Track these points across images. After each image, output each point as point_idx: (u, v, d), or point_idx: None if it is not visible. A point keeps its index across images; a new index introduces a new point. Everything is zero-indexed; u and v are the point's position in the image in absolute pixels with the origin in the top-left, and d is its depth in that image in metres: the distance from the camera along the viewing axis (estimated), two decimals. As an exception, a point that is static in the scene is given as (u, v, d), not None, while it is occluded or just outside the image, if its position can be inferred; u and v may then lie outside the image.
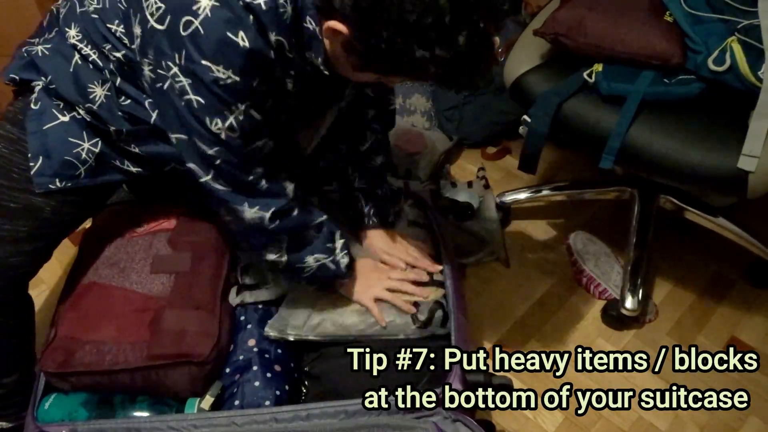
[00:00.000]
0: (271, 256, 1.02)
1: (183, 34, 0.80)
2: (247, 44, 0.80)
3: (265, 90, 0.88)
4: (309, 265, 1.04)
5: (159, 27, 0.82)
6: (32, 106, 1.01)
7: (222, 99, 0.85)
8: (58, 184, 1.01)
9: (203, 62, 0.81)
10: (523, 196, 1.63)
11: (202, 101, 0.85)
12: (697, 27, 1.19)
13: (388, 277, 1.12)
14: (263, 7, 0.80)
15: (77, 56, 0.99)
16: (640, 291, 1.41)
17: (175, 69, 0.84)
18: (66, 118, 1.01)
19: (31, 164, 1.00)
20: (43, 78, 1.01)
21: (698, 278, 1.55)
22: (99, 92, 0.99)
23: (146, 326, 1.05)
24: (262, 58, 0.84)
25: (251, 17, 0.80)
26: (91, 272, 1.14)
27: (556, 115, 1.25)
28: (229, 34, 0.80)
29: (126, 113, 1.00)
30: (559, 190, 1.64)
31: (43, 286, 1.52)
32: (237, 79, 0.83)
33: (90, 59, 0.98)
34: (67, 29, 1.00)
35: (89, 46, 0.98)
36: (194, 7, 0.79)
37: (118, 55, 0.96)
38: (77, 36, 0.99)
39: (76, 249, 1.24)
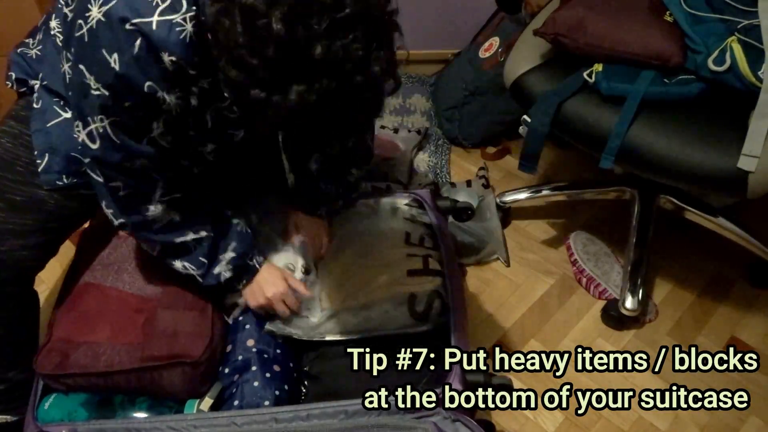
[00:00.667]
0: (143, 246, 1.04)
1: (75, 35, 0.82)
2: (117, 68, 0.80)
3: (142, 115, 0.86)
4: (177, 268, 1.04)
5: (68, 17, 0.85)
6: (35, 105, 1.03)
7: (86, 105, 0.85)
8: (65, 180, 1.02)
9: (80, 66, 0.83)
10: (523, 196, 1.63)
11: (72, 97, 0.87)
12: (697, 27, 1.19)
13: (283, 288, 1.08)
14: (154, 26, 0.78)
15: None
16: (640, 291, 1.41)
17: (66, 63, 0.86)
18: (68, 114, 1.02)
19: (38, 161, 1.01)
20: (35, 80, 1.03)
21: (698, 278, 1.55)
22: None
23: (140, 327, 1.05)
24: (134, 85, 0.82)
25: (138, 39, 0.78)
26: (87, 273, 1.14)
27: (556, 115, 1.25)
28: (104, 53, 0.80)
29: None
30: (559, 190, 1.64)
31: (43, 286, 1.52)
32: (106, 93, 0.83)
33: None
34: (50, 22, 1.03)
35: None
36: (86, 14, 0.80)
37: None
38: (58, 27, 1.01)
39: (74, 249, 1.24)
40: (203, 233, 1.03)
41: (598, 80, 1.21)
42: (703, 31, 1.18)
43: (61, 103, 1.02)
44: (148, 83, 0.82)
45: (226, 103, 0.92)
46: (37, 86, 1.03)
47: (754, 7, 1.20)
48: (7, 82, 1.07)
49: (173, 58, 0.80)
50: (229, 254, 1.05)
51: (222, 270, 1.05)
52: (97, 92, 0.83)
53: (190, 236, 1.02)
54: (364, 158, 1.17)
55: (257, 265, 1.09)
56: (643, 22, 1.22)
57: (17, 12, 1.50)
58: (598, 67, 1.23)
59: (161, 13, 0.78)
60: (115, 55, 0.80)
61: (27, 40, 1.08)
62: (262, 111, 0.73)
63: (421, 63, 2.01)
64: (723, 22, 1.19)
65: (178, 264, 1.04)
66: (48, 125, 1.01)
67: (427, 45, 1.97)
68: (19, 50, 1.07)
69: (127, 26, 0.78)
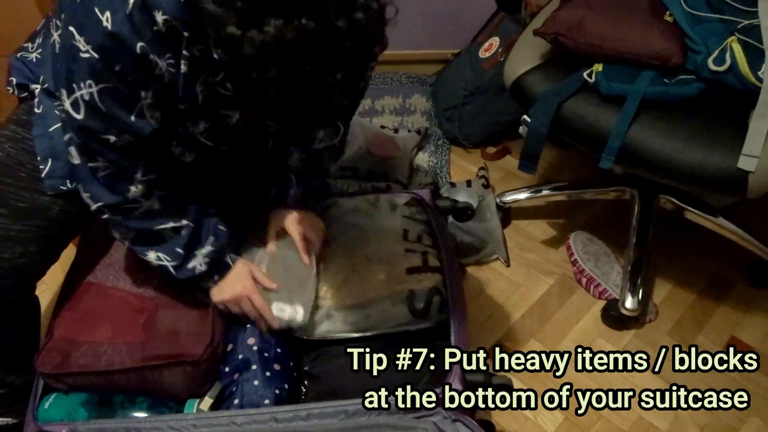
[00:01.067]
0: (116, 234, 1.01)
1: None
2: (109, 26, 0.78)
3: (132, 81, 0.84)
4: (150, 259, 1.01)
5: None
6: (36, 110, 1.02)
7: (74, 70, 0.83)
8: (69, 185, 1.01)
9: (70, 27, 0.81)
10: (523, 196, 1.63)
11: (59, 65, 0.85)
12: (697, 27, 1.19)
13: (250, 287, 1.07)
14: None
15: None
16: (640, 291, 1.41)
17: (56, 32, 0.85)
18: None
19: (41, 167, 1.01)
20: (36, 84, 1.03)
21: (698, 278, 1.55)
22: None
23: (141, 327, 1.05)
24: (126, 46, 0.80)
25: None
26: (88, 273, 1.14)
27: (556, 115, 1.25)
28: (96, 11, 0.78)
29: None
30: (559, 190, 1.64)
31: (43, 286, 1.52)
32: (96, 56, 0.81)
33: None
34: (50, 22, 1.01)
35: None
36: None
37: None
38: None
39: (75, 249, 1.24)
40: (184, 222, 1.00)
41: (598, 80, 1.21)
42: (703, 31, 1.18)
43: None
44: (140, 44, 0.80)
45: (219, 77, 0.90)
46: (37, 90, 1.03)
47: (754, 7, 1.20)
48: (8, 88, 1.07)
49: (166, 17, 0.79)
50: (207, 248, 1.04)
51: (197, 264, 1.03)
52: (87, 55, 0.81)
53: (170, 225, 0.99)
54: (337, 151, 1.17)
55: (231, 262, 1.07)
56: (643, 22, 1.22)
57: (16, 13, 1.50)
58: (598, 67, 1.23)
59: None
60: (108, 13, 0.78)
61: (26, 45, 1.07)
62: (237, 50, 0.71)
63: (421, 63, 2.02)
64: (723, 22, 1.19)
65: (151, 254, 1.01)
66: (50, 130, 1.01)
67: (427, 45, 1.97)
68: (19, 55, 1.06)
69: None
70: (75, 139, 0.91)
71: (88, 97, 0.85)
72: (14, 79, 1.05)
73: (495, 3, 1.79)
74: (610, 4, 1.25)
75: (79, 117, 0.87)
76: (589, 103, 1.24)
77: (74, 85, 0.84)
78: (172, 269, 1.02)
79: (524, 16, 1.72)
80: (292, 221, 1.14)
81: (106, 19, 0.78)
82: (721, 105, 1.19)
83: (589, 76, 1.23)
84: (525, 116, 1.29)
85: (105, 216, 0.98)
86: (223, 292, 1.07)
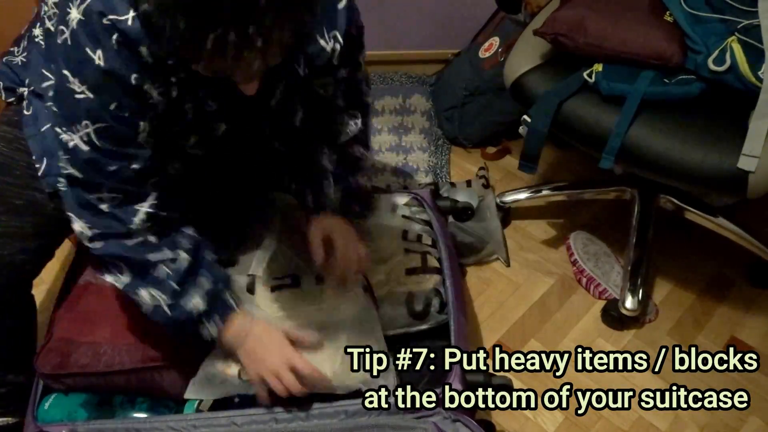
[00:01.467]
0: (108, 277, 0.94)
1: (58, 41, 0.82)
2: (102, 63, 0.80)
3: (128, 116, 0.85)
4: (142, 298, 0.93)
5: (52, 30, 0.86)
6: (25, 111, 1.03)
7: (71, 112, 0.84)
8: None
9: (64, 71, 0.82)
10: (523, 196, 1.63)
11: (56, 110, 0.87)
12: (697, 27, 1.19)
13: (289, 354, 0.95)
14: (129, 23, 0.78)
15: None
16: (640, 291, 1.41)
17: (53, 77, 0.86)
18: None
19: (37, 165, 1.01)
20: (23, 88, 1.04)
21: (698, 278, 1.55)
22: None
23: (141, 327, 1.05)
24: (122, 80, 0.82)
25: (114, 36, 0.78)
26: (87, 273, 1.14)
27: (556, 115, 1.25)
28: (87, 50, 0.79)
29: None
30: (559, 190, 1.64)
31: (43, 286, 1.52)
32: (91, 96, 0.82)
33: None
34: (34, 30, 1.03)
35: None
36: (67, 18, 0.80)
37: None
38: (41, 35, 1.01)
39: (74, 249, 1.24)
40: (182, 254, 0.93)
41: (598, 80, 1.21)
42: (703, 31, 1.18)
43: None
44: (134, 75, 0.81)
45: (203, 93, 0.91)
46: (25, 93, 1.04)
47: (754, 7, 1.20)
48: None
49: (152, 50, 0.80)
50: (204, 282, 0.95)
51: (196, 301, 0.94)
52: (82, 96, 0.82)
53: (169, 255, 0.92)
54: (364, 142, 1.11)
55: (233, 303, 0.97)
56: (643, 22, 1.22)
57: (16, 12, 1.50)
58: (598, 67, 1.23)
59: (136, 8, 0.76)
60: (99, 51, 0.79)
61: (12, 49, 1.08)
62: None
63: (421, 63, 2.01)
64: (723, 22, 1.19)
65: (143, 293, 0.92)
66: (42, 130, 1.01)
67: (427, 45, 1.97)
68: (4, 60, 1.07)
69: (104, 21, 0.78)
70: (76, 175, 0.89)
71: (86, 138, 0.86)
72: (1, 83, 1.06)
73: (495, 3, 1.79)
74: (610, 4, 1.25)
75: (85, 150, 0.87)
76: (589, 103, 1.23)
77: (74, 127, 0.85)
78: (167, 309, 0.93)
79: (524, 16, 1.72)
80: (323, 229, 1.04)
81: (98, 57, 0.80)
82: (721, 105, 1.19)
83: (589, 76, 1.23)
84: (525, 116, 1.29)
85: (99, 245, 0.92)
86: (255, 359, 0.95)
